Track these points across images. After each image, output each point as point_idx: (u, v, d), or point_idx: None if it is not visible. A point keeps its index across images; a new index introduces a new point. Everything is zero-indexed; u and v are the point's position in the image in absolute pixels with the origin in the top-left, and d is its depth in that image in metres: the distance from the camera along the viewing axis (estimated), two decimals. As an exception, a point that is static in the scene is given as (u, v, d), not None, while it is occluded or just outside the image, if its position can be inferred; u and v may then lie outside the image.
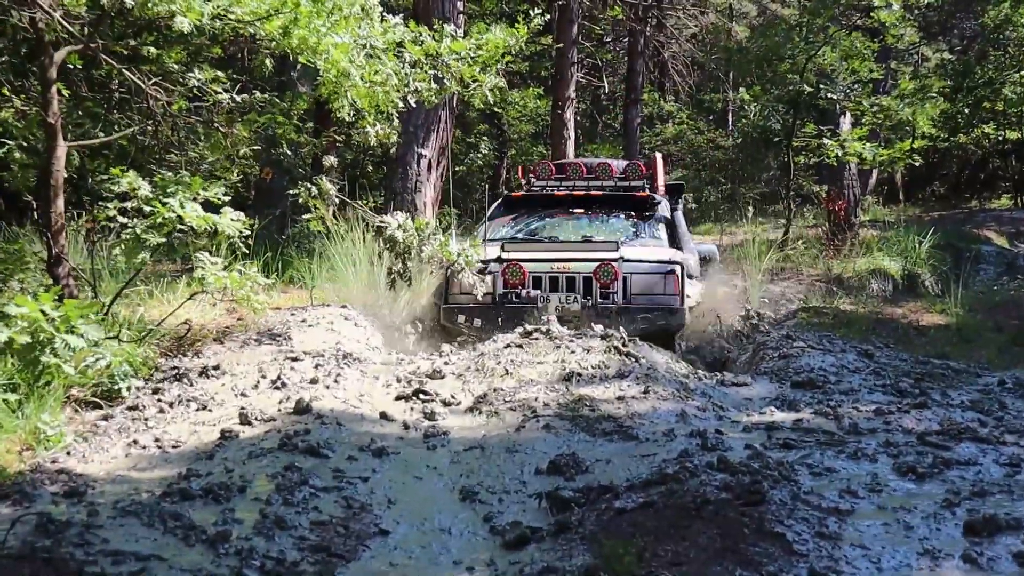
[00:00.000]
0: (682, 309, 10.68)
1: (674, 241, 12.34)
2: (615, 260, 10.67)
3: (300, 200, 11.74)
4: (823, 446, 6.24)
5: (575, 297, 10.58)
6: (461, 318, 10.68)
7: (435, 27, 11.03)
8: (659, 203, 13.07)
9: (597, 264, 10.65)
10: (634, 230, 12.56)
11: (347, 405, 7.58)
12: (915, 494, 5.33)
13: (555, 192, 13.26)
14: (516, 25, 11.00)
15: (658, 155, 13.90)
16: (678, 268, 10.76)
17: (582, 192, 13.18)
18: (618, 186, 13.45)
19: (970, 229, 20.29)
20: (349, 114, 9.98)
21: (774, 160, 23.75)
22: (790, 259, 17.24)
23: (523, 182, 14.07)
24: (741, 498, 5.08)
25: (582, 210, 12.95)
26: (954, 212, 23.19)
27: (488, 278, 10.72)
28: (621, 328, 9.69)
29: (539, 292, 10.70)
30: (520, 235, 12.55)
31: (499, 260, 10.80)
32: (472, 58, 10.70)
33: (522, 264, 10.72)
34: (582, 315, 10.39)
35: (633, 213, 12.91)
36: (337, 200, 12.38)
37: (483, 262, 10.72)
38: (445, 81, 10.79)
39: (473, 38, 10.82)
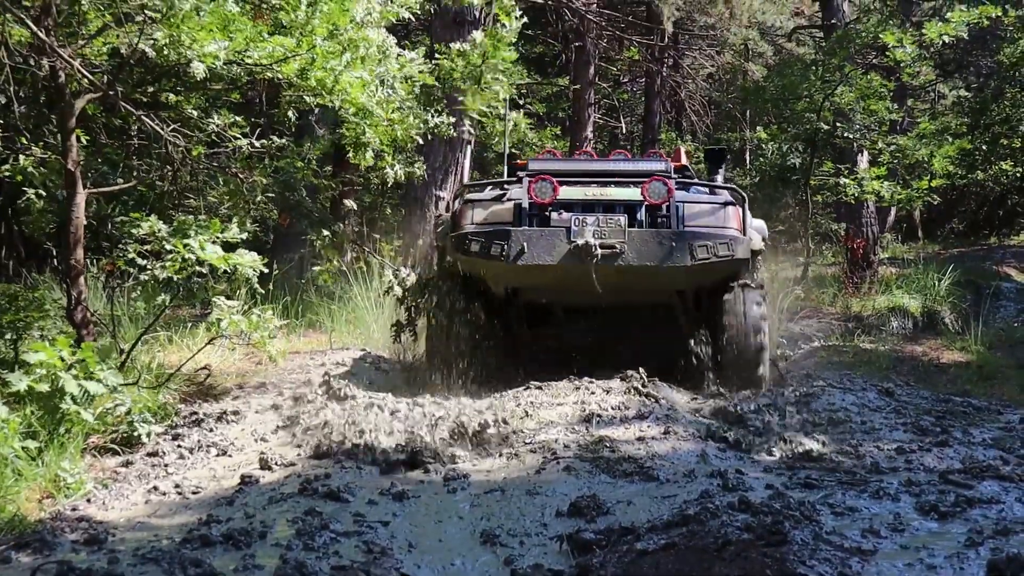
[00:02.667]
0: (745, 240, 8.78)
1: None
2: (666, 174, 8.93)
3: (317, 246, 11.79)
4: (845, 485, 6.21)
5: (619, 220, 8.50)
6: (474, 245, 8.46)
7: (444, 51, 11.14)
8: (692, 177, 11.09)
9: (647, 179, 8.70)
10: (667, 166, 10.02)
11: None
12: (938, 533, 5.30)
13: (572, 167, 10.40)
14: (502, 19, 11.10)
15: (681, 147, 12.76)
16: (739, 199, 9.01)
17: (601, 167, 10.36)
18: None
19: (990, 266, 20.26)
20: (370, 159, 10.04)
21: (792, 199, 23.74)
22: (809, 297, 17.21)
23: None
24: (763, 539, 5.06)
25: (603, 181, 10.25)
26: (973, 249, 23.14)
27: (508, 204, 8.85)
28: (675, 258, 8.24)
29: (569, 214, 8.64)
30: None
31: (524, 177, 8.83)
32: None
33: (553, 179, 8.68)
34: (627, 241, 8.37)
35: None
36: (355, 245, 12.43)
37: (500, 184, 9.26)
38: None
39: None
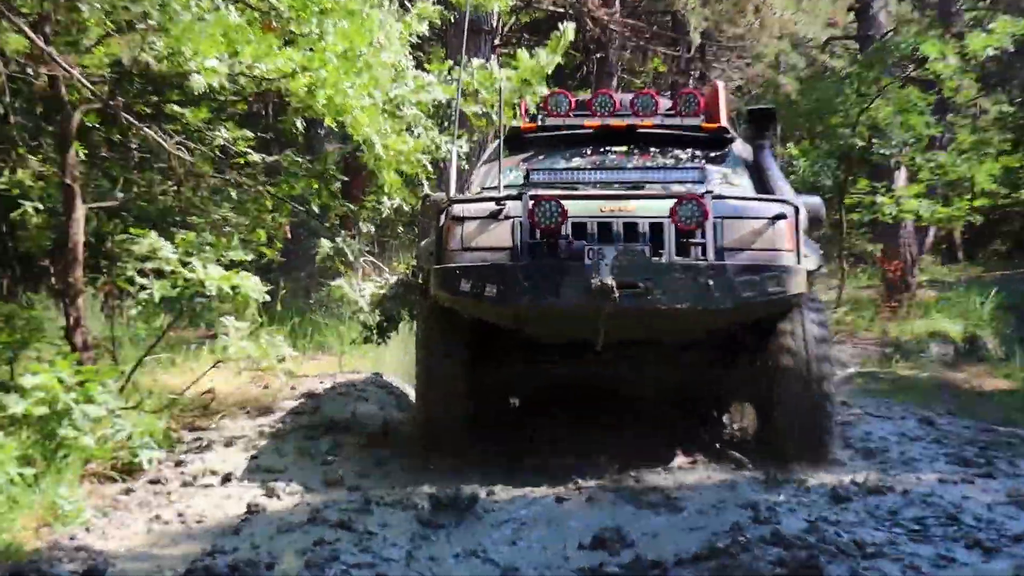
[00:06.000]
0: (800, 270, 7.02)
1: (762, 190, 8.40)
2: (702, 195, 7.03)
3: (319, 256, 11.74)
4: (883, 519, 6.19)
5: (643, 250, 6.89)
6: (465, 284, 6.85)
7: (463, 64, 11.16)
8: (733, 140, 9.27)
9: (676, 200, 6.98)
10: (701, 176, 8.32)
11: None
12: (982, 570, 5.28)
13: (584, 123, 9.12)
14: (548, 43, 11.06)
15: (719, 84, 10.02)
16: (791, 211, 7.20)
17: (623, 123, 9.06)
18: (682, 124, 9.30)
19: (1036, 289, 20.21)
20: (393, 181, 10.05)
21: (825, 218, 23.74)
22: (844, 322, 17.19)
23: (525, 120, 9.82)
24: (797, 574, 5.06)
25: (623, 149, 9.00)
26: (1018, 271, 23.05)
27: (506, 224, 7.11)
28: (713, 299, 6.73)
29: (582, 242, 6.95)
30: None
31: (524, 195, 7.09)
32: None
33: (560, 200, 7.01)
34: (652, 278, 6.74)
35: (698, 153, 9.01)
36: (367, 263, 12.44)
37: (496, 199, 7.27)
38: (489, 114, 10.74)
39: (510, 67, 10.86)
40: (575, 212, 7.01)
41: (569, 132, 9.10)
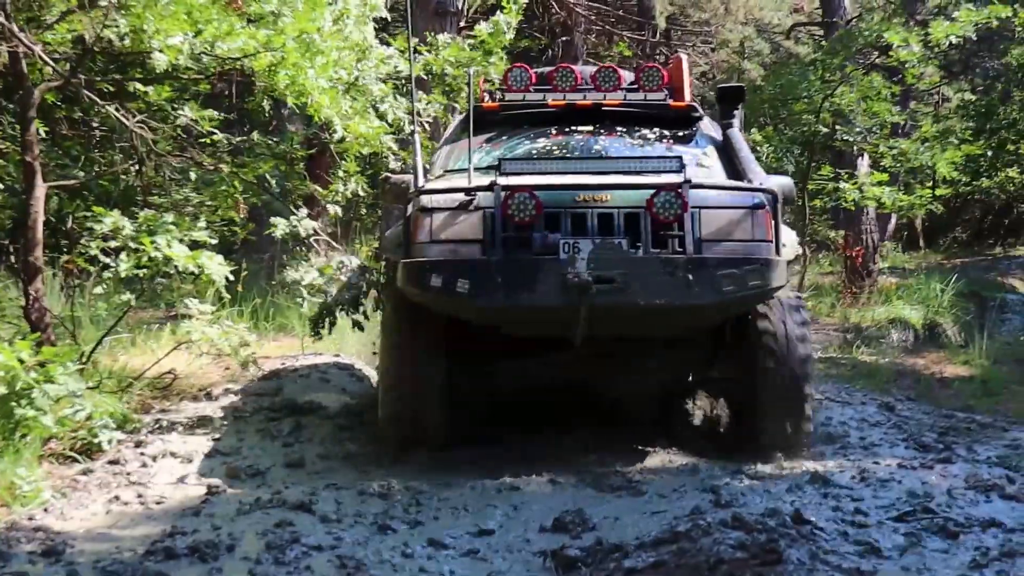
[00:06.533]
0: (780, 262, 6.68)
1: (733, 171, 7.94)
2: (680, 185, 6.57)
3: (275, 235, 11.63)
4: (841, 500, 6.22)
5: (620, 243, 6.48)
6: (435, 279, 6.40)
7: (429, 40, 11.15)
8: (701, 118, 8.82)
9: (653, 191, 6.52)
10: (679, 164, 7.31)
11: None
12: (942, 554, 5.32)
13: (548, 104, 8.72)
14: (503, 9, 11.08)
15: (683, 56, 9.69)
16: (769, 200, 6.81)
17: (588, 102, 8.69)
18: (646, 99, 8.91)
19: (995, 277, 20.36)
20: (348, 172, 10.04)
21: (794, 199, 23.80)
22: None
23: (485, 96, 9.72)
24: (757, 558, 5.08)
25: (588, 129, 8.57)
26: (977, 259, 23.23)
27: (476, 215, 6.65)
28: (693, 294, 6.37)
29: (557, 235, 6.51)
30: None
31: (495, 186, 6.59)
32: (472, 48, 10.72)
33: (534, 192, 6.53)
34: (630, 272, 6.37)
35: (666, 133, 8.59)
36: (322, 242, 12.41)
37: (466, 191, 6.73)
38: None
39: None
40: (548, 202, 6.57)
41: (533, 111, 8.72)
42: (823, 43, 20.38)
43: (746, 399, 7.06)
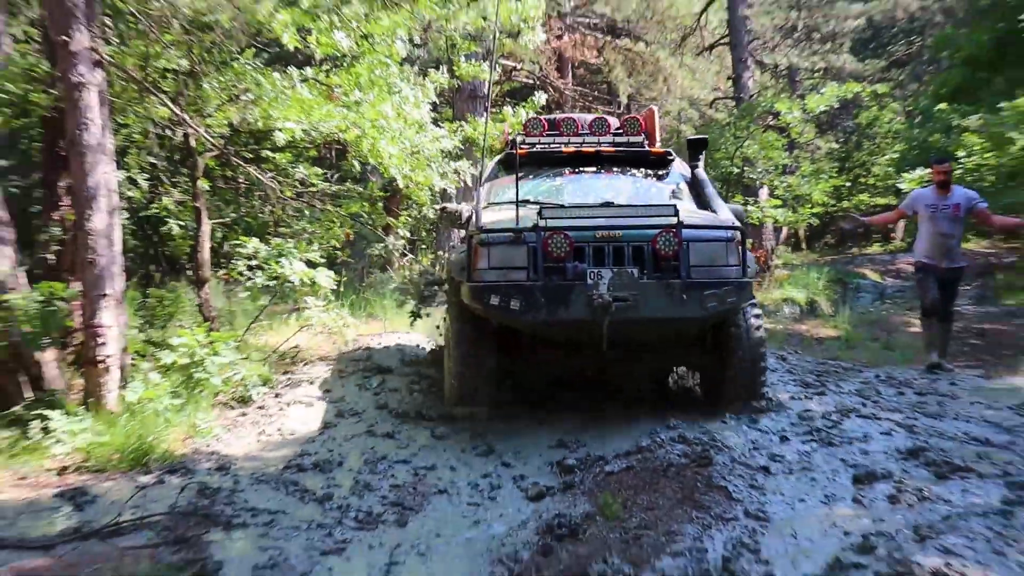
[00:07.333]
0: (749, 283, 6.46)
1: (702, 202, 7.78)
2: (676, 227, 6.34)
3: (371, 254, 11.62)
4: (753, 424, 6.25)
5: (632, 272, 6.21)
6: (494, 298, 6.19)
7: (469, 121, 11.18)
8: (673, 159, 8.53)
9: (657, 232, 6.32)
10: (656, 192, 8.02)
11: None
12: (819, 457, 5.36)
13: (563, 149, 8.42)
14: (526, 104, 11.12)
15: (654, 108, 9.33)
16: (738, 234, 6.55)
17: (592, 149, 8.42)
18: (629, 142, 8.67)
19: (853, 268, 20.25)
20: (424, 199, 10.10)
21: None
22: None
23: (508, 142, 9.29)
24: (695, 462, 5.14)
25: (592, 169, 8.36)
26: (841, 257, 23.12)
27: (522, 249, 6.36)
28: (686, 309, 6.16)
29: (583, 265, 6.29)
30: (531, 198, 7.70)
31: (537, 228, 6.32)
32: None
33: (568, 233, 6.31)
34: (639, 294, 6.14)
35: (650, 172, 8.41)
36: (403, 257, 12.49)
37: (513, 231, 6.41)
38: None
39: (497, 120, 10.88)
40: (576, 240, 6.26)
41: (550, 155, 8.31)
42: (734, 111, 20.32)
43: (717, 373, 6.83)
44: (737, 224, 6.61)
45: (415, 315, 9.71)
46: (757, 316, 6.73)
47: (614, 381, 7.73)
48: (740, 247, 6.31)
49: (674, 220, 6.19)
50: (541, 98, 10.86)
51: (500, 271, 6.24)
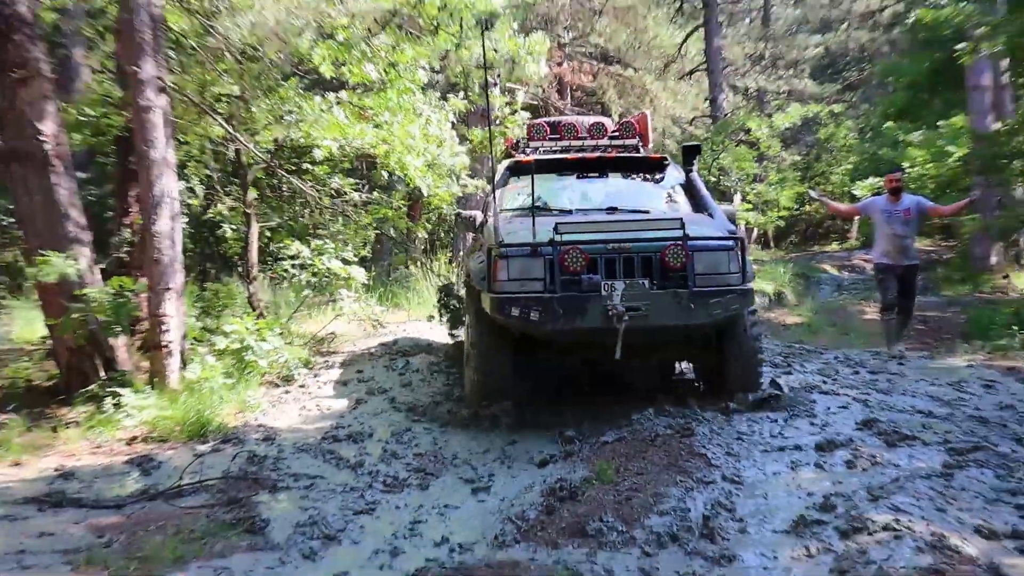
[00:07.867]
0: (751, 290, 6.00)
1: (697, 206, 7.23)
2: (683, 240, 5.86)
3: (396, 259, 11.59)
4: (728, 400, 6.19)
5: (643, 283, 5.75)
6: (515, 310, 5.70)
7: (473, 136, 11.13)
8: (668, 164, 7.82)
9: (666, 245, 5.85)
10: (655, 195, 7.41)
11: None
12: (788, 427, 5.34)
13: (567, 156, 7.79)
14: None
15: (647, 113, 8.76)
16: (739, 244, 6.07)
17: (594, 155, 7.80)
18: (625, 144, 8.20)
19: (814, 263, 20.19)
20: (441, 202, 10.08)
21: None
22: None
23: (510, 146, 8.79)
24: (679, 433, 5.12)
25: (595, 174, 7.72)
26: (804, 254, 23.03)
27: (539, 261, 5.84)
28: (693, 316, 5.72)
29: (597, 277, 5.80)
30: (538, 203, 6.89)
31: (553, 243, 5.83)
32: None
33: (582, 248, 5.81)
34: (650, 303, 5.66)
35: (648, 176, 7.77)
36: (422, 256, 12.47)
37: (531, 245, 5.87)
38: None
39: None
40: (589, 252, 5.78)
41: (555, 161, 7.70)
42: (711, 128, 20.26)
43: (717, 367, 6.44)
44: (737, 233, 6.23)
45: (440, 310, 9.20)
46: (755, 320, 6.43)
47: (622, 379, 7.37)
48: (740, 255, 5.95)
49: (680, 233, 5.81)
50: (524, 115, 10.58)
51: (519, 282, 5.81)
